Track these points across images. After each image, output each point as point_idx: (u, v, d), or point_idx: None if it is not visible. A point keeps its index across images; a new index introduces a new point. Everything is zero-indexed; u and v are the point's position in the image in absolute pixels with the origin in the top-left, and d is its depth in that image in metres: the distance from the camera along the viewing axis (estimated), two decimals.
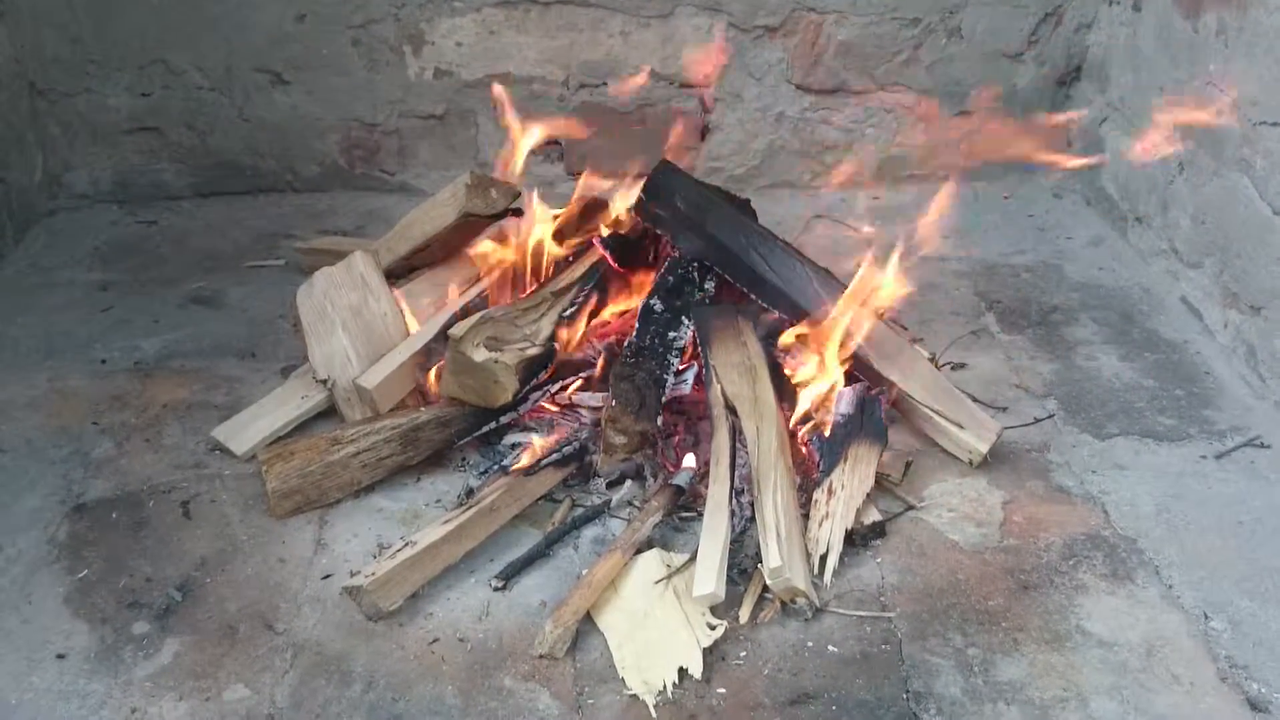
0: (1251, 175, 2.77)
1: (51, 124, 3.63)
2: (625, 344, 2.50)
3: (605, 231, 2.78)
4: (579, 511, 2.34)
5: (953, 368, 2.83)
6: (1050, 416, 2.63)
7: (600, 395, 2.52)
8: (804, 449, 2.42)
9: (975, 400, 2.61)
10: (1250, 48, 2.78)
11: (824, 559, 2.16)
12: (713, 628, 2.02)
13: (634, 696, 1.91)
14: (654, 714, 1.88)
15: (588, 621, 2.05)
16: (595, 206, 2.91)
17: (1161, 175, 3.25)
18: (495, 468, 2.41)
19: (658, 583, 2.12)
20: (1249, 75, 2.79)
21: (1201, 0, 3.02)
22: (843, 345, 2.52)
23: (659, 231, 2.74)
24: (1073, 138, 3.86)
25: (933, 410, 2.51)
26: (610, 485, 2.41)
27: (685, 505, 2.33)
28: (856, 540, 2.23)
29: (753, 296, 2.65)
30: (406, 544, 2.12)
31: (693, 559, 2.11)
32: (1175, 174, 3.16)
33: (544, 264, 2.76)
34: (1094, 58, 3.73)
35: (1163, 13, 3.25)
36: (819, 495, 2.27)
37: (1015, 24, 3.69)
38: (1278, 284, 2.67)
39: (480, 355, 2.36)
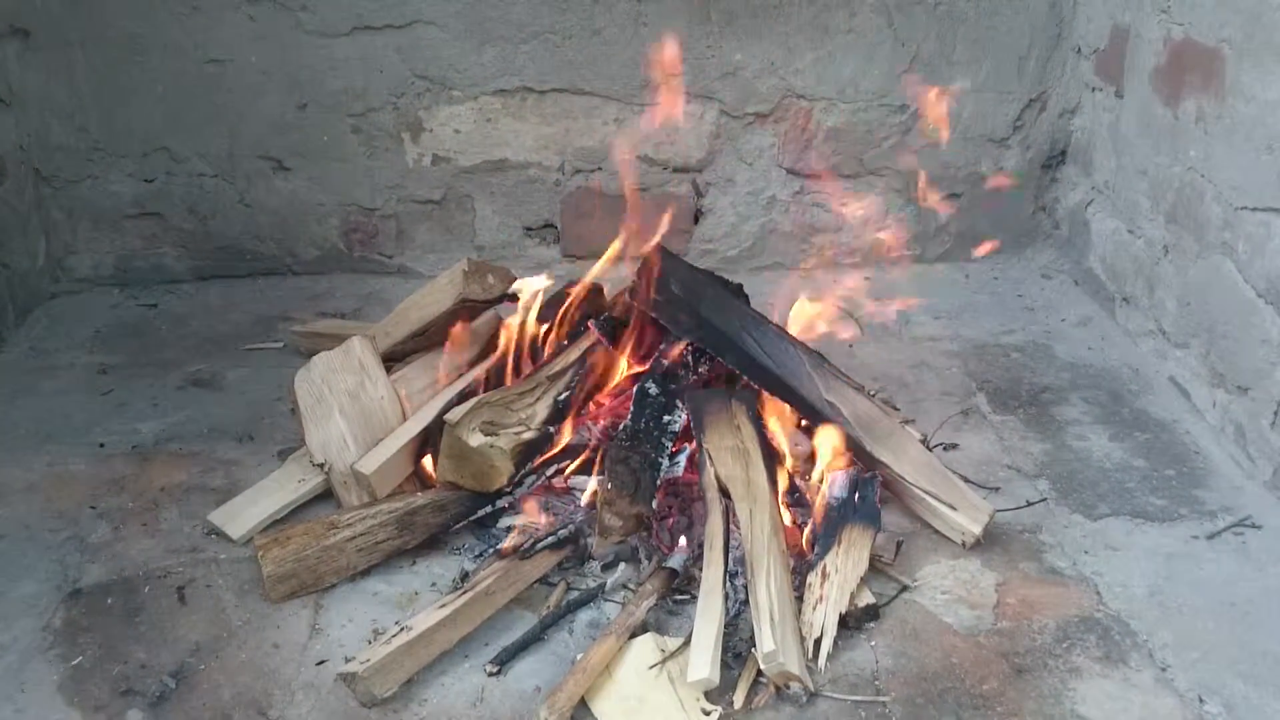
0: (1234, 258, 2.83)
1: (55, 209, 3.70)
2: (620, 427, 2.53)
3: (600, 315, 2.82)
4: (574, 595, 2.35)
5: (944, 448, 2.85)
6: (1043, 500, 2.65)
7: (595, 478, 2.54)
8: (796, 528, 2.44)
9: (967, 481, 2.63)
10: (1229, 134, 2.86)
11: (818, 642, 2.17)
12: (707, 713, 2.02)
13: None
14: None
15: (582, 707, 2.05)
16: (589, 291, 2.95)
17: (1147, 257, 3.31)
18: (490, 551, 2.42)
19: (652, 667, 2.12)
20: (1229, 161, 2.86)
21: (1181, 88, 3.11)
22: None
23: (653, 315, 2.78)
24: (1059, 220, 3.94)
25: (925, 492, 2.53)
26: (605, 568, 2.42)
27: (679, 588, 2.33)
28: (850, 623, 2.23)
29: (746, 379, 2.69)
30: (402, 629, 2.12)
31: (687, 643, 2.11)
32: (1160, 256, 3.22)
33: (539, 348, 2.80)
34: (1078, 142, 3.82)
35: (1144, 100, 3.34)
36: (813, 578, 2.28)
37: (1001, 110, 3.78)
38: (1263, 365, 2.71)
39: (476, 440, 2.38)
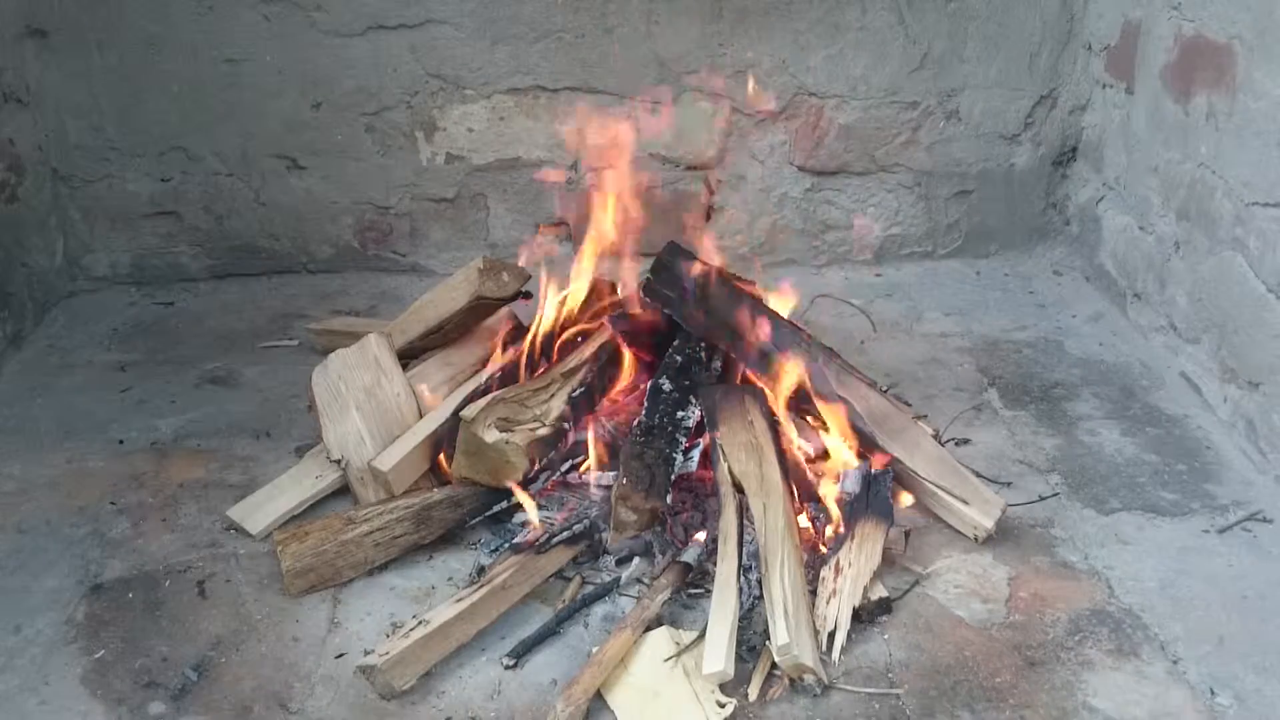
0: (1246, 254, 2.83)
1: (72, 208, 3.73)
2: (635, 423, 2.55)
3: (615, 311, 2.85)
4: (589, 589, 2.37)
5: (956, 444, 2.87)
6: (1055, 494, 2.67)
7: (610, 474, 2.56)
8: (810, 524, 2.46)
9: (979, 476, 2.65)
10: (1239, 131, 2.86)
11: (832, 636, 2.19)
12: (722, 705, 2.04)
13: None
14: None
15: (598, 700, 2.07)
16: (604, 287, 2.98)
17: (1158, 253, 3.31)
18: (506, 546, 2.44)
19: (667, 660, 2.14)
20: (1239, 158, 2.87)
21: (1191, 85, 3.12)
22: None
23: (666, 312, 2.80)
24: (1070, 217, 3.94)
25: (938, 486, 2.54)
26: (620, 563, 2.44)
27: (694, 582, 2.35)
28: (864, 617, 2.25)
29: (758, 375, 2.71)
30: (420, 622, 2.15)
31: (702, 636, 2.13)
32: (1171, 252, 3.23)
33: (554, 344, 2.82)
34: (1089, 139, 3.83)
35: (1154, 96, 3.34)
36: (826, 572, 2.29)
37: (1012, 106, 3.79)
38: (1275, 360, 2.71)
39: (491, 436, 2.40)
